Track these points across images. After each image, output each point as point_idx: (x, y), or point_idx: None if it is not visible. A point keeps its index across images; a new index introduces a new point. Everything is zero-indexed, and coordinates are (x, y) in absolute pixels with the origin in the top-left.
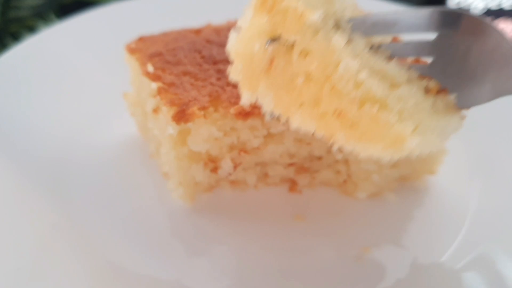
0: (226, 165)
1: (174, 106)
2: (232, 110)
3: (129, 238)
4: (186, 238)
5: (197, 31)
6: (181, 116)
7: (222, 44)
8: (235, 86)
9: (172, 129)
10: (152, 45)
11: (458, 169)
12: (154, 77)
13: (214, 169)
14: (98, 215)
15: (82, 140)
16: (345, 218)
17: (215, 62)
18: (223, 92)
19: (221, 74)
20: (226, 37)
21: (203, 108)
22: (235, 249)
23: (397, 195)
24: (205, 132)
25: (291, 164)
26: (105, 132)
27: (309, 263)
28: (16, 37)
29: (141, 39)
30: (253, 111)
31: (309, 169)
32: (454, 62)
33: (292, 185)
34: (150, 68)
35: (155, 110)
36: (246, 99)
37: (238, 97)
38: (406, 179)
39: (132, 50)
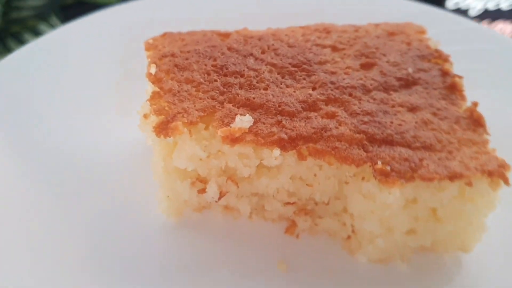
0: (211, 190)
1: (161, 115)
2: (220, 132)
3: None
4: (156, 254)
5: (225, 35)
6: (162, 128)
7: (244, 55)
8: (236, 104)
9: (151, 140)
10: (170, 43)
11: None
12: (154, 80)
13: (202, 190)
14: (82, 211)
15: (85, 141)
16: (335, 281)
17: (225, 74)
18: (220, 109)
19: (227, 88)
20: (252, 48)
21: (191, 123)
22: (195, 278)
23: (411, 266)
24: (189, 150)
25: (289, 203)
26: (111, 135)
27: None
28: (17, 38)
29: (165, 35)
30: (243, 137)
31: (312, 212)
32: None
33: (291, 226)
34: (152, 69)
35: (145, 116)
36: (240, 122)
37: (234, 117)
38: (431, 250)
39: (148, 46)
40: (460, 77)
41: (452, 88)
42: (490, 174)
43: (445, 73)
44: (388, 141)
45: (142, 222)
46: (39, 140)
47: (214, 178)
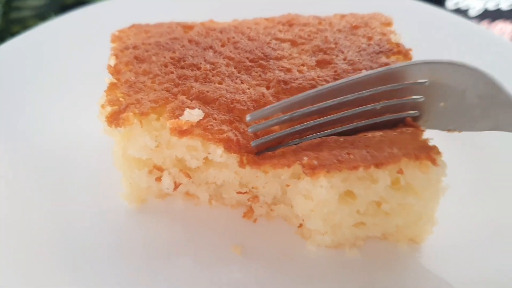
0: (165, 182)
1: (115, 105)
2: (168, 123)
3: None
4: (117, 240)
5: (189, 27)
6: (114, 118)
7: (203, 47)
8: (189, 96)
9: (103, 130)
10: (135, 36)
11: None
12: (113, 71)
13: (159, 179)
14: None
15: (57, 132)
16: (287, 264)
17: (182, 66)
18: (173, 101)
19: (182, 80)
20: (213, 40)
21: (142, 114)
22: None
23: (363, 251)
24: (141, 140)
25: (241, 193)
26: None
27: None
28: None
29: (132, 27)
30: (191, 130)
31: (266, 200)
32: (448, 101)
33: (248, 211)
34: (112, 61)
35: (103, 106)
36: (188, 115)
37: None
38: (383, 239)
39: (114, 38)
40: None
41: None
42: (416, 157)
43: None
44: (319, 144)
45: (106, 209)
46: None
47: (168, 170)
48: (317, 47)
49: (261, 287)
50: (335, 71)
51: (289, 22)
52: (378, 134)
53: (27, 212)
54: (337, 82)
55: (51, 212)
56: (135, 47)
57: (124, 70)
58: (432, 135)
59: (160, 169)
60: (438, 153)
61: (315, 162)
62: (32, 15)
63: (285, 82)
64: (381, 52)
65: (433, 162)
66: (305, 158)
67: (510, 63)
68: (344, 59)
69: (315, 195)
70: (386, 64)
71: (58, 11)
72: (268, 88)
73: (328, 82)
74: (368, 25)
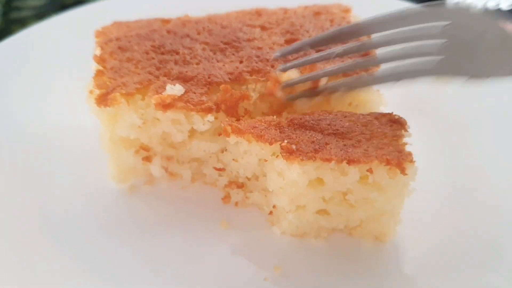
0: (154, 170)
1: (102, 89)
2: (153, 99)
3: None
4: (104, 219)
5: (166, 21)
6: (102, 99)
7: (180, 36)
8: (170, 77)
9: (93, 111)
10: (117, 30)
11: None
12: (99, 60)
13: (147, 158)
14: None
15: (45, 120)
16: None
17: (162, 53)
18: (155, 81)
19: (163, 64)
20: (189, 30)
21: (128, 94)
22: (141, 238)
23: (328, 244)
24: (128, 119)
25: (219, 169)
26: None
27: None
28: None
29: (114, 24)
30: (174, 103)
31: (244, 186)
32: (467, 44)
33: (226, 196)
34: (97, 51)
35: (91, 91)
36: (170, 90)
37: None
38: (348, 234)
39: (98, 33)
40: None
41: (366, 55)
42: (387, 162)
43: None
44: (304, 126)
45: (94, 191)
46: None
47: (155, 156)
48: (284, 29)
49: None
50: None
51: (258, 13)
52: (361, 127)
53: (13, 197)
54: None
55: (38, 196)
56: (118, 39)
57: (109, 59)
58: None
59: (146, 148)
60: (411, 161)
61: (293, 147)
62: (32, 15)
63: (257, 56)
64: None
65: (402, 171)
66: (286, 141)
67: None
68: (310, 37)
69: (287, 175)
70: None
71: (58, 11)
72: (241, 62)
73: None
74: (329, 11)
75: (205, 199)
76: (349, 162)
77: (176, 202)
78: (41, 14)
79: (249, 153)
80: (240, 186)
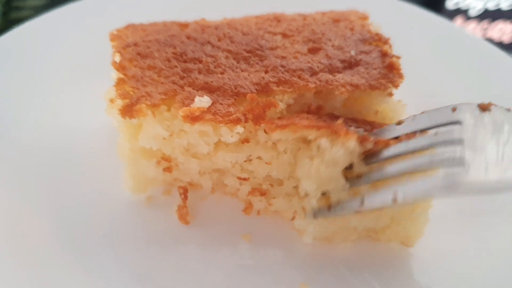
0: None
1: (126, 99)
2: (181, 111)
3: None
4: (124, 229)
5: (184, 25)
6: (127, 111)
7: (201, 43)
8: (195, 87)
9: (117, 122)
10: (133, 34)
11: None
12: (119, 67)
13: (168, 169)
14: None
15: (54, 125)
16: (293, 250)
17: (185, 61)
18: (180, 92)
19: (186, 73)
20: (210, 36)
21: (154, 105)
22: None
23: (356, 249)
24: (153, 130)
25: (243, 179)
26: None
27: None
28: None
29: (128, 26)
30: (202, 116)
31: (267, 193)
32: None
33: (247, 207)
34: (117, 57)
35: (112, 100)
36: (199, 103)
37: (194, 99)
38: (374, 238)
39: (113, 36)
40: (397, 57)
41: (390, 68)
42: None
43: (384, 54)
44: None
45: (110, 200)
46: (9, 119)
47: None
48: (306, 37)
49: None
50: (327, 55)
51: (277, 19)
52: None
53: (29, 205)
54: None
55: (52, 206)
56: (136, 44)
57: (129, 66)
58: None
59: (168, 159)
60: None
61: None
62: (32, 15)
63: (283, 66)
64: (364, 39)
65: None
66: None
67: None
68: (333, 46)
69: (327, 154)
70: (371, 50)
71: None
72: (266, 72)
73: (322, 64)
74: (348, 18)
75: (225, 210)
76: None
77: (195, 214)
78: (41, 14)
79: (285, 151)
80: (263, 193)
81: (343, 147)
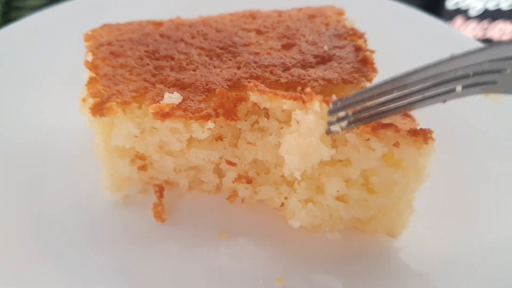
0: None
1: (97, 97)
2: (151, 108)
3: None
4: (104, 229)
5: (158, 24)
6: (98, 109)
7: (175, 40)
8: (167, 84)
9: (89, 121)
10: (108, 34)
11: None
12: (91, 67)
13: (143, 167)
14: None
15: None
16: (271, 245)
17: (157, 58)
18: (151, 89)
19: (158, 70)
20: (183, 34)
21: (124, 103)
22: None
23: (344, 237)
24: (125, 128)
25: (232, 164)
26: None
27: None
28: None
29: (104, 27)
30: (173, 112)
31: (253, 181)
32: None
33: (232, 195)
34: (89, 57)
35: (84, 100)
36: (169, 99)
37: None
38: (360, 229)
39: (87, 37)
40: (372, 51)
41: (364, 62)
42: (413, 133)
43: (358, 49)
44: None
45: (87, 200)
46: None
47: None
48: (280, 33)
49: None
50: (300, 50)
51: (252, 15)
52: None
53: (6, 207)
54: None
55: (28, 206)
56: (109, 44)
57: (102, 65)
58: None
59: (142, 157)
60: (432, 138)
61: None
62: None
63: (255, 62)
64: (338, 34)
65: (426, 141)
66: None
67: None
68: (307, 41)
69: (303, 122)
70: (346, 45)
71: None
72: (239, 68)
73: (295, 60)
74: (324, 14)
75: (203, 207)
76: (379, 127)
77: (172, 212)
78: None
79: (267, 130)
80: (250, 181)
81: (312, 113)
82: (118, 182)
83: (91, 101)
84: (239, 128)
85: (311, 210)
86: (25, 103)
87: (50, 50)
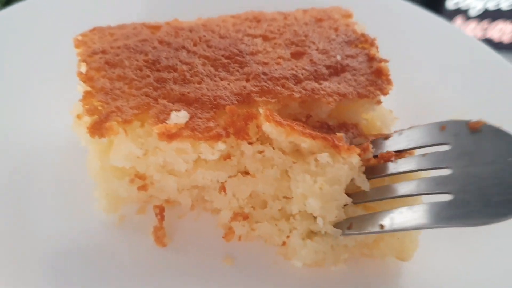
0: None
1: (95, 115)
2: (156, 129)
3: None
4: (98, 251)
5: (155, 27)
6: (96, 129)
7: (175, 48)
8: (171, 99)
9: (84, 141)
10: (100, 39)
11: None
12: (86, 79)
13: (143, 187)
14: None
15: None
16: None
17: (158, 69)
18: (154, 105)
19: (160, 83)
20: (184, 40)
21: (126, 122)
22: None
23: (350, 268)
24: (126, 149)
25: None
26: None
27: None
28: None
29: (94, 30)
30: (180, 133)
31: (250, 217)
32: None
33: (228, 233)
34: (82, 67)
35: (79, 116)
36: (176, 118)
37: (170, 113)
38: (369, 255)
39: (78, 43)
40: (386, 61)
41: (378, 74)
42: None
43: (371, 59)
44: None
45: (81, 220)
46: None
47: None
48: (288, 40)
49: None
50: (311, 60)
51: (256, 18)
52: None
53: None
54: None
55: (20, 225)
56: (104, 52)
57: (97, 77)
58: None
59: (142, 177)
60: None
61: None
62: None
63: (265, 74)
64: (349, 41)
65: None
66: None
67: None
68: (317, 49)
69: (330, 171)
70: (358, 54)
71: None
72: (247, 81)
73: (307, 71)
74: (331, 17)
75: (205, 229)
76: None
77: (173, 234)
78: None
79: (271, 164)
80: (246, 217)
81: (347, 164)
82: (113, 202)
83: (87, 119)
84: (242, 150)
85: (312, 245)
86: (16, 113)
87: (35, 47)
